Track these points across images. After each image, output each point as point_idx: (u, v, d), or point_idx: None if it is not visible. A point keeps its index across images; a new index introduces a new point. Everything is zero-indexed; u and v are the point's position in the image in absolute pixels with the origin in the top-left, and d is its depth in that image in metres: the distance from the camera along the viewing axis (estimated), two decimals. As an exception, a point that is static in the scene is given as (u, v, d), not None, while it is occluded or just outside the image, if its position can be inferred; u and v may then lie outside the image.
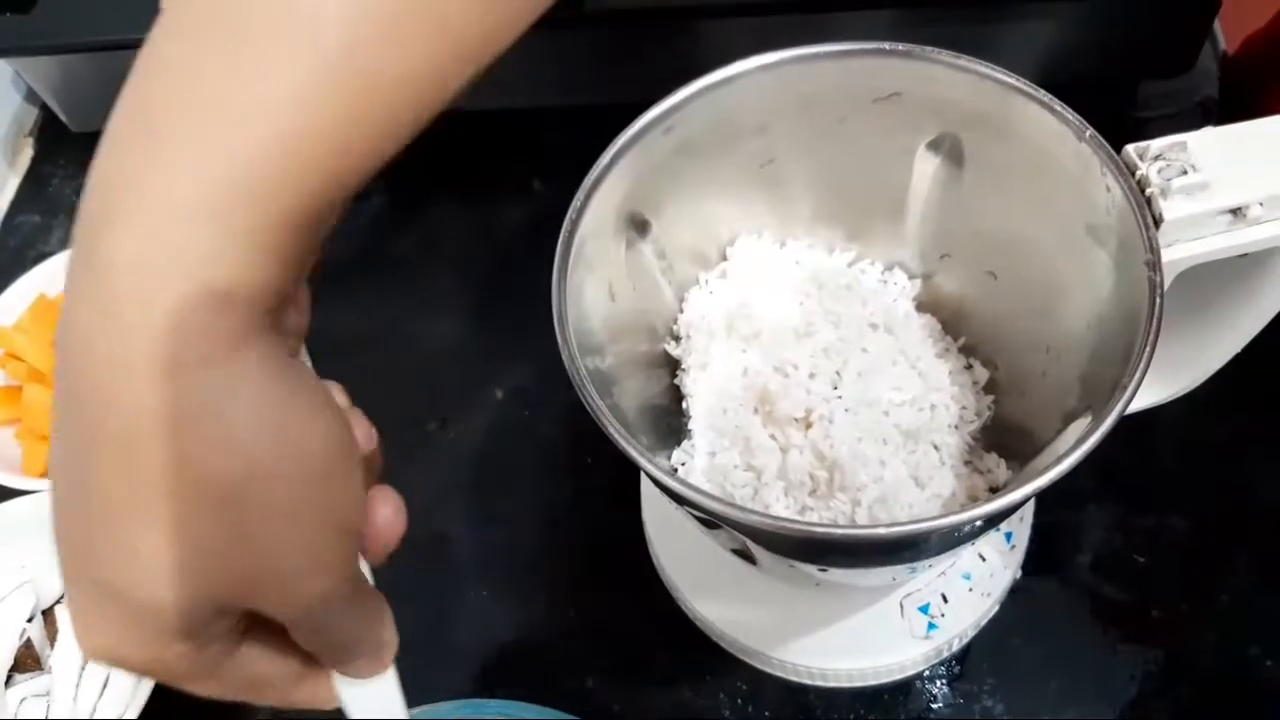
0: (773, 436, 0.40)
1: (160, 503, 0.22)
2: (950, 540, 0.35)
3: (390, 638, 0.29)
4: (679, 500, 0.34)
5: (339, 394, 0.27)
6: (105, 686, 0.47)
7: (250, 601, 0.24)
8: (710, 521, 0.35)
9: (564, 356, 0.35)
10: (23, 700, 0.47)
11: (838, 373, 0.40)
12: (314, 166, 0.23)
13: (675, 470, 0.42)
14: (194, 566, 0.23)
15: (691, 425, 0.43)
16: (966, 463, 0.42)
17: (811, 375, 0.40)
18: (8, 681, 0.47)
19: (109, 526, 0.23)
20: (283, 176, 0.22)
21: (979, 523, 0.32)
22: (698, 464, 0.43)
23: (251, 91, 0.22)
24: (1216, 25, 0.63)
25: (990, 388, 0.43)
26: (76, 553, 0.24)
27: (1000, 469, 0.41)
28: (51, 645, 0.48)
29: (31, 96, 0.69)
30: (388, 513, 0.27)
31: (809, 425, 0.40)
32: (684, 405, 0.44)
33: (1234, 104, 0.61)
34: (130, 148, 0.23)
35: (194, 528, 0.22)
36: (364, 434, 0.27)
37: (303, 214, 0.23)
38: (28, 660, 0.48)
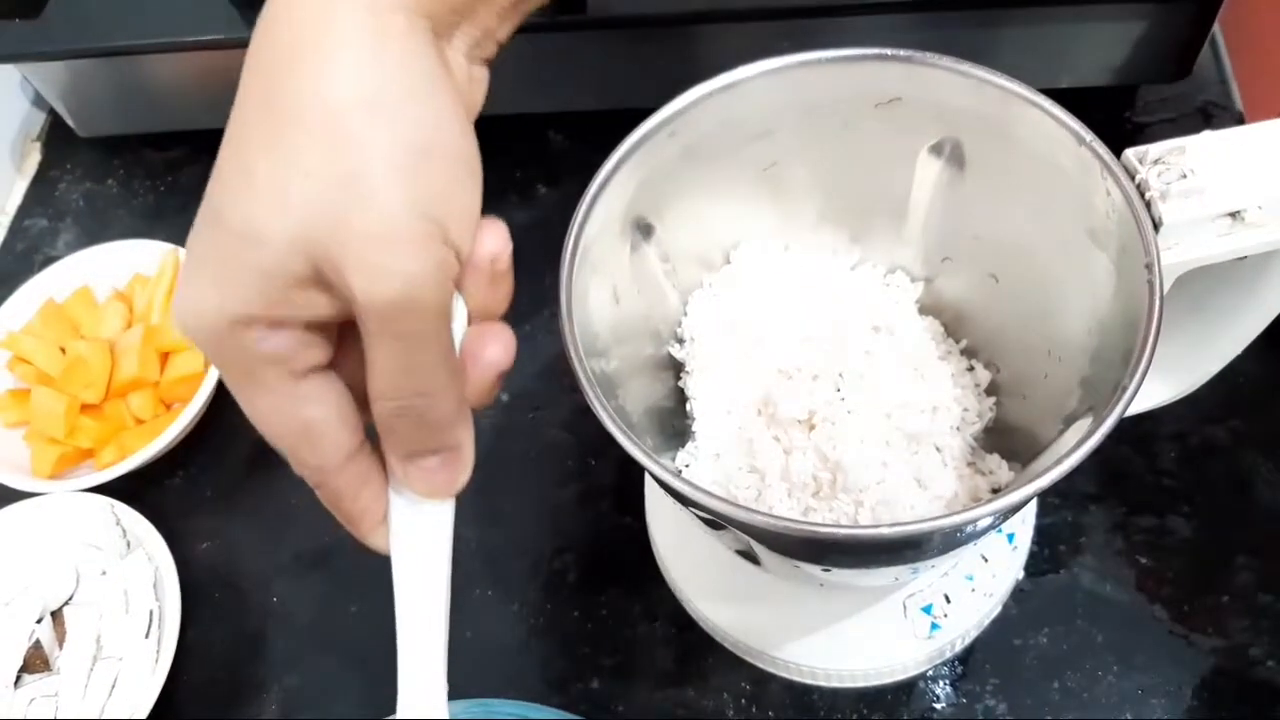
0: (776, 439, 0.40)
1: (281, 126, 0.24)
2: (952, 540, 0.35)
3: (468, 449, 0.28)
4: (684, 501, 0.34)
5: (498, 225, 0.28)
6: (113, 688, 0.47)
7: (337, 256, 0.24)
8: (714, 522, 0.35)
9: (570, 359, 0.35)
10: (31, 701, 0.47)
11: (840, 375, 0.41)
12: None
13: (680, 472, 0.43)
14: (296, 192, 0.24)
15: (695, 427, 0.43)
16: (969, 464, 0.42)
17: (814, 378, 0.41)
18: (17, 682, 0.47)
19: (238, 151, 0.25)
20: None
21: (980, 523, 0.33)
22: (702, 465, 0.43)
23: None
24: (1217, 30, 0.63)
25: (992, 390, 0.44)
26: (208, 194, 0.25)
27: (1002, 470, 0.41)
28: (60, 647, 0.48)
29: (39, 101, 0.69)
30: (496, 349, 0.28)
31: (812, 427, 0.40)
32: (688, 407, 0.44)
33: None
34: None
35: (304, 155, 0.24)
36: (499, 240, 0.28)
37: None
38: (36, 661, 0.48)
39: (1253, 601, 0.47)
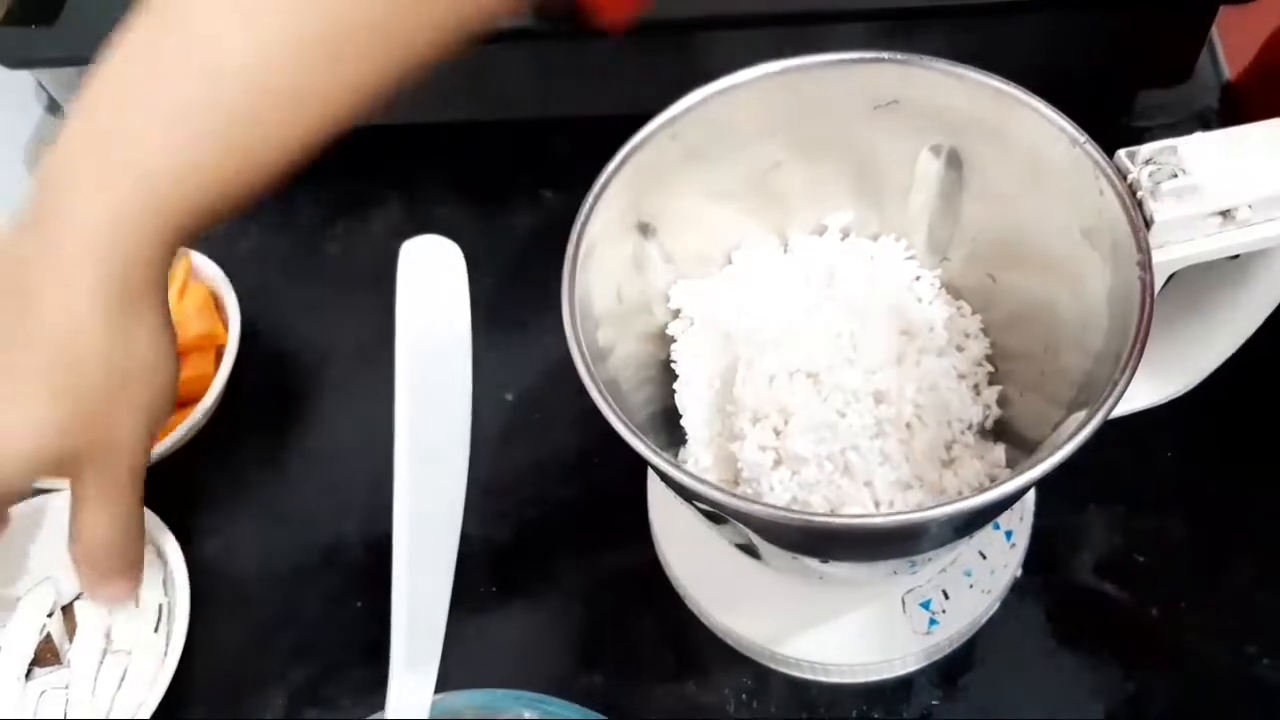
0: (776, 431, 0.41)
1: (57, 376, 0.31)
2: (949, 532, 0.36)
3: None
4: (686, 494, 0.35)
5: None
6: (123, 680, 0.48)
7: (82, 458, 0.33)
8: (715, 515, 0.36)
9: (574, 356, 0.36)
10: (42, 693, 0.48)
11: (840, 371, 0.41)
12: (192, 193, 0.32)
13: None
14: (59, 425, 0.32)
15: (691, 430, 0.44)
16: (970, 461, 0.43)
17: (812, 374, 0.41)
18: (28, 675, 0.48)
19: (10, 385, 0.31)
20: (171, 198, 0.32)
21: (975, 515, 0.33)
22: (701, 464, 0.43)
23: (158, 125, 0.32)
24: (1215, 37, 0.64)
25: (992, 384, 0.44)
26: None
27: (1001, 467, 0.42)
28: (70, 640, 0.49)
29: (53, 107, 0.70)
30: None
31: (811, 422, 0.41)
32: (684, 407, 0.45)
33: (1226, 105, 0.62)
34: (80, 151, 0.33)
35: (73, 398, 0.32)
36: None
37: (189, 217, 0.33)
38: (47, 655, 0.49)
39: (1249, 600, 0.47)
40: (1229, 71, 0.63)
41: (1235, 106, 0.62)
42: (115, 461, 0.33)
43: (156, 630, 0.48)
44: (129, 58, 0.33)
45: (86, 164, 0.32)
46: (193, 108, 0.32)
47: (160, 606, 0.49)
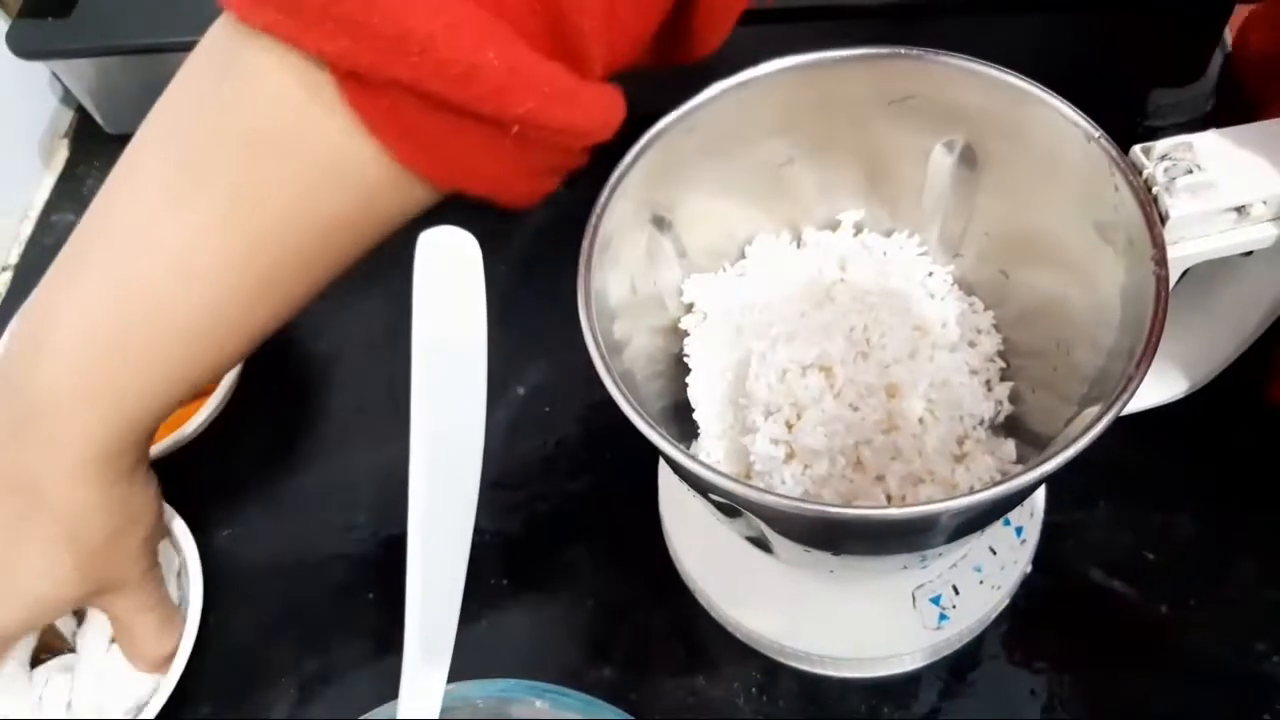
0: (788, 425, 0.41)
1: (71, 543, 0.42)
2: (961, 526, 0.36)
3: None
4: (700, 486, 0.35)
5: None
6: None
7: (105, 591, 0.44)
8: (729, 508, 0.36)
9: (590, 348, 0.36)
10: (48, 680, 0.48)
11: (853, 365, 0.42)
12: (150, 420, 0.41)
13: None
14: (76, 578, 0.42)
15: (704, 424, 0.44)
16: (981, 456, 0.43)
17: (825, 369, 0.42)
18: (34, 663, 0.48)
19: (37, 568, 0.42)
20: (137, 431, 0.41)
21: (986, 509, 0.33)
22: (713, 458, 0.44)
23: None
24: (1226, 35, 0.64)
25: (1003, 381, 0.44)
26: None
27: (1013, 462, 0.42)
28: (79, 628, 0.49)
29: (67, 98, 0.71)
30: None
31: (823, 416, 0.41)
32: (696, 400, 0.45)
33: (1234, 103, 0.62)
34: (64, 388, 0.39)
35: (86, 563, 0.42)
36: None
37: (156, 413, 0.41)
38: (54, 642, 0.49)
39: (1258, 597, 0.47)
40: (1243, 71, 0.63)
41: (1231, 85, 0.62)
42: (132, 586, 0.45)
43: (169, 619, 0.48)
44: (91, 305, 0.38)
45: (69, 398, 0.39)
46: (145, 346, 0.39)
47: (174, 597, 0.49)
